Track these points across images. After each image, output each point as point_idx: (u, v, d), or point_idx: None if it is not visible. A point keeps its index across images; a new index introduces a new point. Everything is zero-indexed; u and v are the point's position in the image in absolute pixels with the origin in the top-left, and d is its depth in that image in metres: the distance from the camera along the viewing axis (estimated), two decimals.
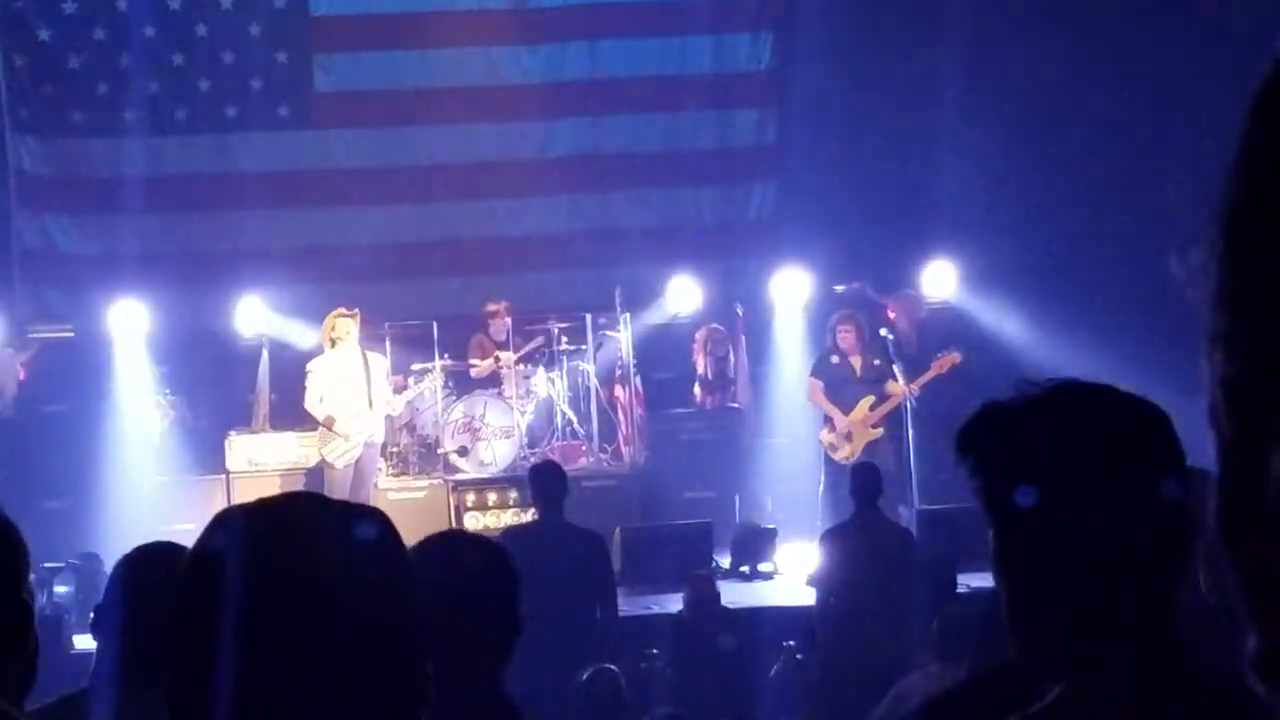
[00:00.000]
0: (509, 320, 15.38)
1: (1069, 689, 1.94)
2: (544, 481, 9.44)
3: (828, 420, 13.95)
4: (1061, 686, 1.95)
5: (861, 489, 9.78)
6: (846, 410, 13.82)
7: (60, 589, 11.27)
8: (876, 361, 13.91)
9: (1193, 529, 1.98)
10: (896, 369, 13.71)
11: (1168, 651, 1.96)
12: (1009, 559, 2.00)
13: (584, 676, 7.70)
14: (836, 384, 13.96)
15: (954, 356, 13.77)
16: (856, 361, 13.96)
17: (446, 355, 15.21)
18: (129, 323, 15.44)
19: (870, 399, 13.79)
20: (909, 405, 13.60)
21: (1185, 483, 1.98)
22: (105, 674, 3.35)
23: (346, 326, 13.70)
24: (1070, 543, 1.94)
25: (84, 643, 11.09)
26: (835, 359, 14.05)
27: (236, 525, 1.76)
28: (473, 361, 15.36)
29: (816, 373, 14.19)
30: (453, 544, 3.50)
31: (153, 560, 3.45)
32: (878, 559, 9.43)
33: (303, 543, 1.73)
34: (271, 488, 12.73)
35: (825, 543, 9.77)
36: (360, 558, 1.73)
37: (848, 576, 9.47)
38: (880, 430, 13.81)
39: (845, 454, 13.51)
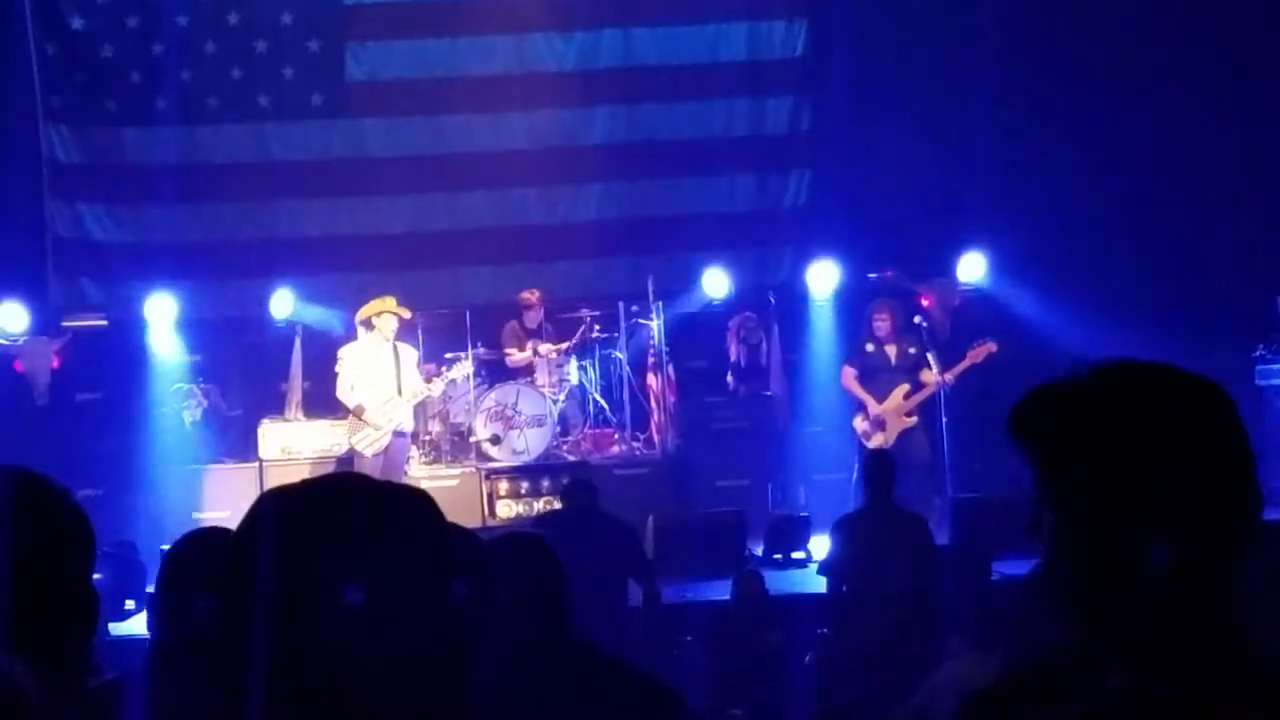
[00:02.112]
0: (542, 309, 15.38)
1: (1134, 674, 1.89)
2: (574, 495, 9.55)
3: (862, 408, 13.90)
4: (1125, 671, 1.90)
5: (874, 477, 9.71)
6: (881, 398, 13.77)
7: (94, 576, 11.30)
8: (912, 350, 13.85)
9: (1257, 513, 1.93)
10: (931, 357, 13.65)
11: (1231, 636, 1.90)
12: (1070, 543, 1.94)
13: None
14: (871, 372, 13.91)
15: (990, 346, 13.70)
16: (892, 350, 13.90)
17: (479, 344, 15.20)
18: (162, 311, 15.49)
19: (905, 387, 13.74)
20: (943, 394, 13.55)
21: (1251, 463, 1.92)
22: (158, 660, 3.34)
23: (391, 324, 13.65)
24: (1134, 525, 1.89)
25: (119, 629, 11.15)
26: (870, 347, 14.00)
27: (279, 508, 1.75)
28: (509, 351, 15.35)
29: (851, 360, 14.14)
30: None
31: (201, 547, 3.44)
32: (891, 547, 9.38)
33: (344, 524, 1.71)
34: (303, 475, 12.75)
35: (837, 531, 9.73)
36: (398, 540, 1.71)
37: (860, 565, 9.42)
38: (914, 419, 13.75)
39: (879, 442, 13.45)
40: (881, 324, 13.92)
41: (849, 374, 14.07)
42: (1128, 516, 1.88)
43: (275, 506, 1.76)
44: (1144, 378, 1.95)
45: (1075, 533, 1.93)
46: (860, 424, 13.85)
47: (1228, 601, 1.91)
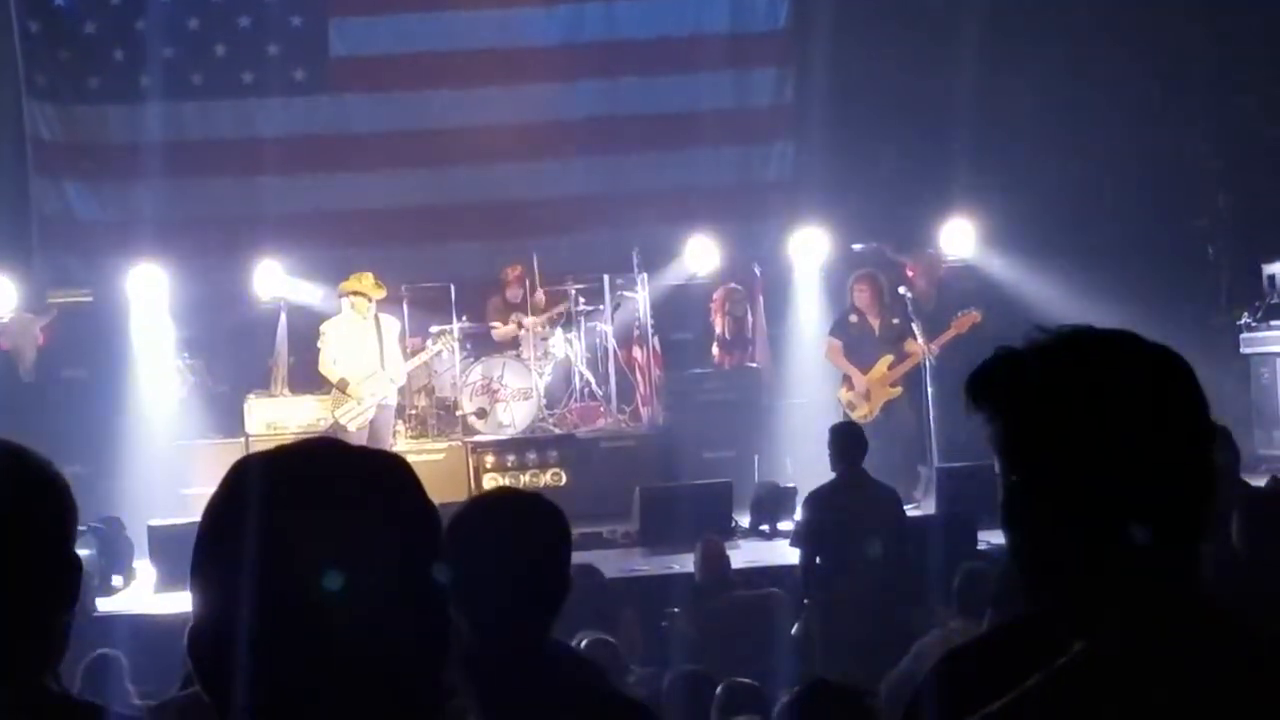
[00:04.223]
0: (526, 283, 15.37)
1: (1090, 644, 1.89)
2: None
3: (847, 379, 13.91)
4: (1083, 641, 1.90)
5: (842, 448, 9.68)
6: (865, 369, 13.77)
7: (82, 552, 11.29)
8: (895, 320, 13.85)
9: (1218, 478, 1.93)
10: (915, 328, 13.64)
11: (1193, 602, 1.90)
12: (1024, 508, 1.96)
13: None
14: (855, 343, 13.92)
15: (974, 316, 13.69)
16: (875, 321, 13.90)
17: (464, 318, 15.20)
18: (147, 288, 15.47)
19: (889, 358, 13.74)
20: (928, 364, 13.55)
21: (1209, 430, 1.93)
22: None
23: (365, 305, 13.55)
24: (1088, 491, 1.89)
25: (106, 605, 11.16)
26: (854, 318, 14.00)
27: (256, 472, 1.77)
28: (493, 325, 15.34)
29: (835, 332, 14.14)
30: (504, 501, 3.51)
31: None
32: (862, 518, 9.38)
33: (321, 485, 1.73)
34: None
35: (808, 504, 9.73)
36: (376, 500, 1.73)
37: (832, 536, 9.43)
38: (899, 389, 13.75)
39: (864, 413, 13.48)
40: (862, 294, 13.91)
41: (833, 346, 14.07)
42: (1077, 481, 1.89)
43: (255, 479, 1.77)
44: (1099, 343, 1.96)
45: (1028, 497, 1.94)
46: (845, 395, 13.86)
47: (1190, 567, 1.91)
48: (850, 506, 9.42)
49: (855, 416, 13.41)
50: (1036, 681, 1.90)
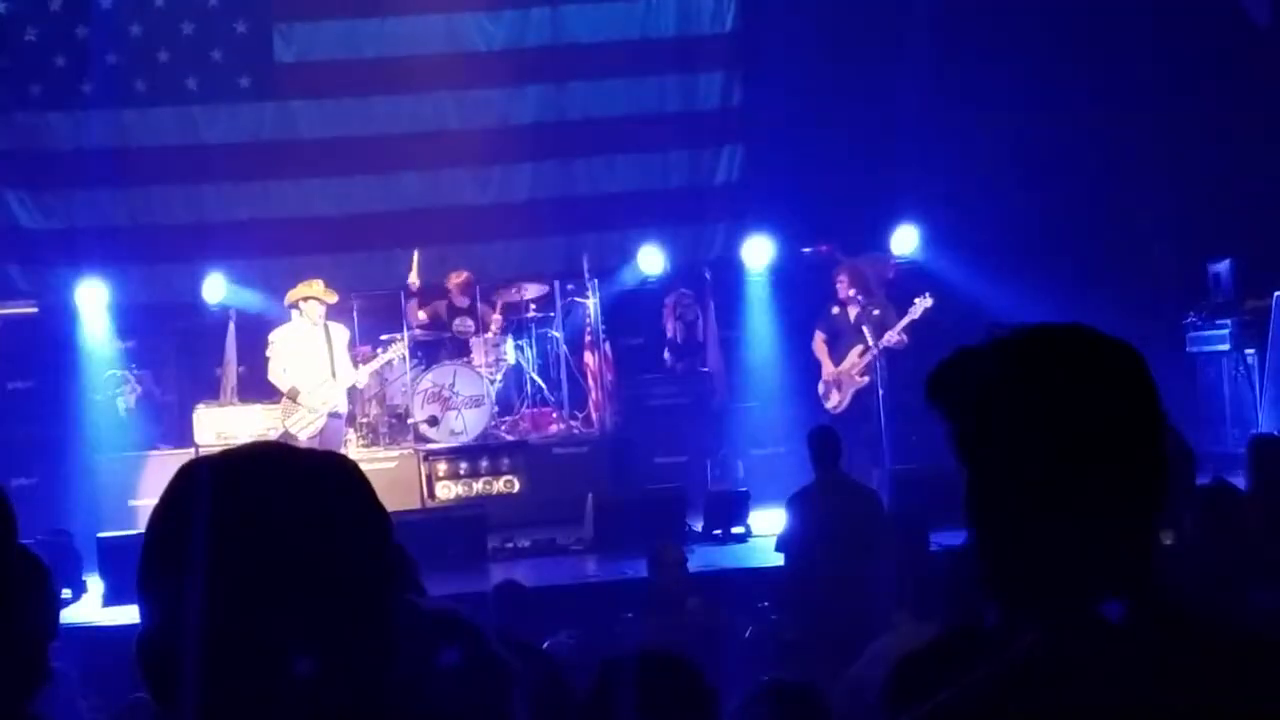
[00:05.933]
0: (472, 290, 15.32)
1: (1042, 638, 1.89)
2: None
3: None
4: (1034, 635, 1.90)
5: (820, 451, 9.71)
6: (840, 359, 13.89)
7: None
8: (876, 312, 13.91)
9: (1169, 471, 1.94)
10: (866, 330, 13.71)
11: (1146, 595, 1.91)
12: (982, 504, 1.96)
13: None
14: (836, 334, 14.06)
15: (926, 301, 13.77)
16: (853, 311, 13.98)
17: (414, 325, 15.16)
18: (93, 298, 15.36)
19: (860, 347, 13.83)
20: (880, 367, 13.60)
21: (1162, 424, 1.94)
22: None
23: (316, 309, 13.51)
24: (1044, 485, 1.89)
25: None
26: (836, 310, 14.12)
27: (202, 477, 1.76)
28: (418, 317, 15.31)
29: (821, 325, 14.24)
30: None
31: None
32: (845, 520, 9.39)
33: (268, 489, 1.72)
34: None
35: (792, 506, 9.74)
36: (325, 500, 1.72)
37: (816, 539, 9.44)
38: (867, 378, 13.79)
39: (835, 401, 13.75)
40: (841, 286, 14.03)
41: (818, 339, 14.18)
42: (1028, 476, 1.90)
43: (200, 484, 1.76)
44: (1055, 339, 1.97)
45: (982, 493, 1.95)
46: (821, 387, 14.01)
47: (1142, 559, 1.92)
48: (833, 508, 9.43)
49: (828, 406, 13.62)
50: (983, 674, 1.90)
